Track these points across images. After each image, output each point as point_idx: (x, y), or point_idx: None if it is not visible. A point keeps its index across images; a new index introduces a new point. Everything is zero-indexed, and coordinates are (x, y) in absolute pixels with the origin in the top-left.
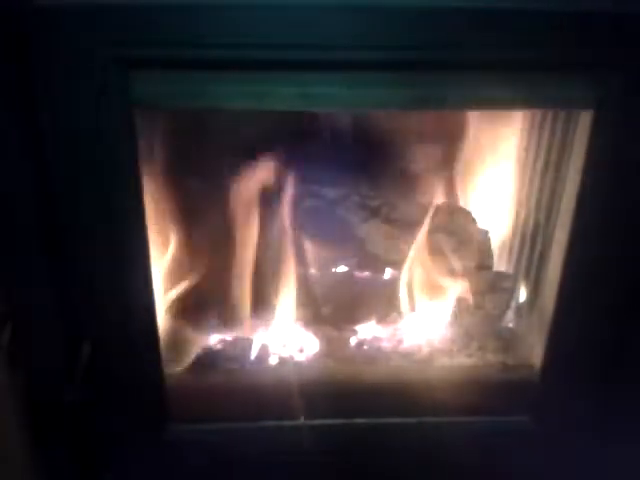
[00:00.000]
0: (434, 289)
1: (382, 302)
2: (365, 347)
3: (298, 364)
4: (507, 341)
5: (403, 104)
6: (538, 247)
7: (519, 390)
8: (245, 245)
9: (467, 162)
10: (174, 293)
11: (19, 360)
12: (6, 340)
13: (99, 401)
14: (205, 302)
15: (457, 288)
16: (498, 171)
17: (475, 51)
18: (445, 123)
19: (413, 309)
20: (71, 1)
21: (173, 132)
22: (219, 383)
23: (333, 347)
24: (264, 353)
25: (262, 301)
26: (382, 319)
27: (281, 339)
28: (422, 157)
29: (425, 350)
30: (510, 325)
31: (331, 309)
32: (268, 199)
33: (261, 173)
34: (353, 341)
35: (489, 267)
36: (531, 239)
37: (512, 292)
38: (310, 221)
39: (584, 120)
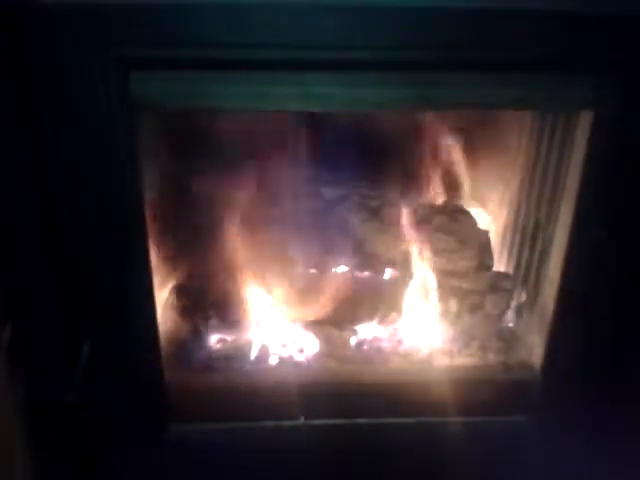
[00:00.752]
0: (434, 289)
1: (382, 302)
2: (365, 347)
3: (298, 364)
4: (507, 341)
5: (403, 104)
6: (538, 247)
7: (519, 390)
8: (245, 245)
9: (467, 162)
10: (174, 293)
11: (19, 360)
12: (6, 340)
13: (99, 401)
14: (205, 302)
15: (457, 288)
16: (498, 171)
17: (475, 51)
18: (445, 123)
19: (413, 309)
20: (71, 1)
21: (173, 132)
22: (219, 383)
23: (333, 347)
24: (264, 353)
25: (262, 301)
26: (382, 319)
27: (281, 339)
28: (422, 157)
29: (425, 350)
30: (510, 325)
31: (331, 309)
32: (268, 199)
33: (261, 173)
34: (353, 341)
35: (489, 267)
36: (531, 239)
37: (512, 292)
38: (310, 221)
39: (584, 120)
